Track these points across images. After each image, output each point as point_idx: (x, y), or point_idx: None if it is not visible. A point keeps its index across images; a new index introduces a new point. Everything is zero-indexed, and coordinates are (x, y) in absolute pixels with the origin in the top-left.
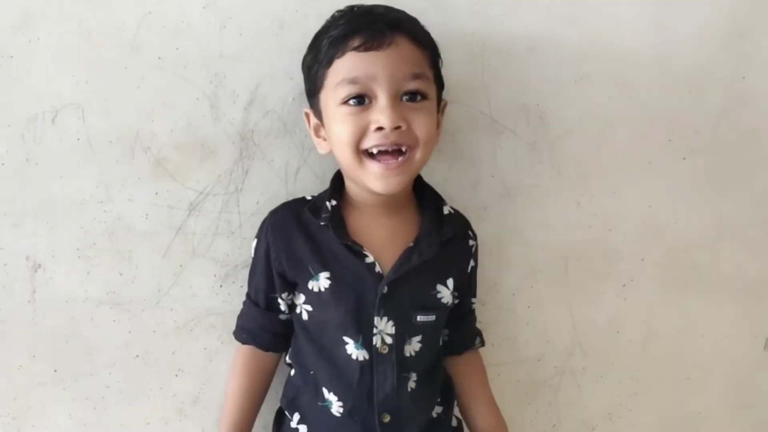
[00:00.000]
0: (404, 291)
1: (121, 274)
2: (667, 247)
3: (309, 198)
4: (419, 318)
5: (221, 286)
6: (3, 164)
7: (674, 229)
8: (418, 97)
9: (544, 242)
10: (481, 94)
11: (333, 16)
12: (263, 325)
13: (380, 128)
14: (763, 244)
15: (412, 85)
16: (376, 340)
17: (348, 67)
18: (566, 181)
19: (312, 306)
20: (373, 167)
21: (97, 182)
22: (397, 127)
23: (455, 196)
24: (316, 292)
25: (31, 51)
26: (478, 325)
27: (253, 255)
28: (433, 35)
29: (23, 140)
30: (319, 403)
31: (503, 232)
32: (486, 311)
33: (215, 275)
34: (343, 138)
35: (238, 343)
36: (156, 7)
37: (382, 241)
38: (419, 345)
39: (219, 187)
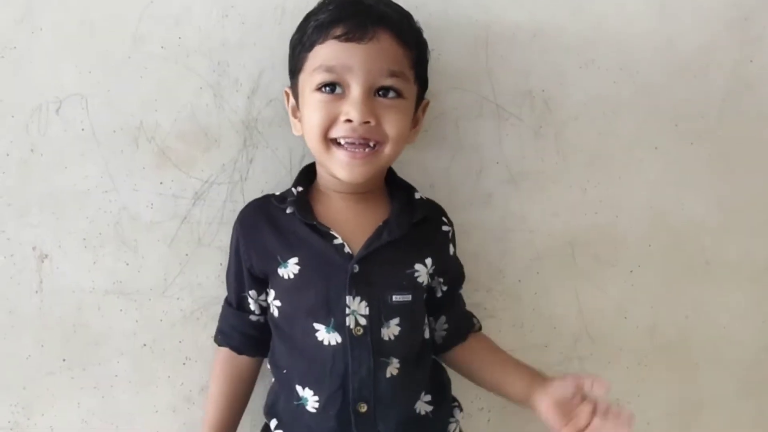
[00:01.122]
0: (377, 271)
1: (127, 264)
2: (673, 232)
3: (277, 194)
4: (395, 298)
5: None
6: (8, 155)
7: (681, 215)
8: (392, 94)
9: (550, 229)
10: (486, 81)
11: (322, 3)
12: (234, 326)
13: (349, 120)
14: None
15: (388, 82)
16: (350, 321)
17: (326, 55)
18: (572, 167)
19: (281, 299)
20: (340, 155)
21: (102, 172)
22: (366, 122)
23: (460, 183)
24: (285, 280)
25: (34, 42)
26: (484, 311)
27: (228, 253)
28: (437, 22)
29: (27, 131)
30: (295, 403)
31: (509, 218)
32: (492, 298)
33: (221, 264)
34: (312, 124)
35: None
36: None
37: (351, 226)
38: (398, 328)
39: (223, 176)
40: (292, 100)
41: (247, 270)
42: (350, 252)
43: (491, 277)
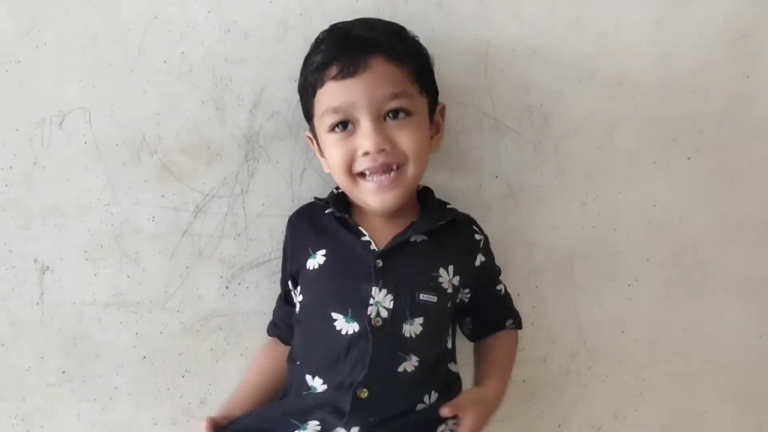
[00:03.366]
0: (403, 268)
1: (128, 276)
2: (672, 246)
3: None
4: (422, 296)
5: (227, 287)
6: (11, 168)
7: (679, 229)
8: (401, 114)
9: (548, 242)
10: (486, 96)
11: (316, 40)
12: (283, 318)
13: (366, 153)
14: None
15: (393, 105)
16: (371, 311)
17: (329, 97)
18: (571, 182)
19: (305, 292)
20: (368, 185)
21: (104, 185)
22: (382, 150)
23: (459, 197)
24: (311, 271)
25: (38, 56)
26: None
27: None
28: (437, 37)
29: (31, 144)
30: (303, 392)
31: (508, 232)
32: None
33: (221, 277)
34: (335, 163)
35: (245, 346)
36: (161, 12)
37: (381, 230)
38: (421, 328)
39: (225, 189)
40: (315, 143)
41: (289, 266)
42: (375, 249)
43: None
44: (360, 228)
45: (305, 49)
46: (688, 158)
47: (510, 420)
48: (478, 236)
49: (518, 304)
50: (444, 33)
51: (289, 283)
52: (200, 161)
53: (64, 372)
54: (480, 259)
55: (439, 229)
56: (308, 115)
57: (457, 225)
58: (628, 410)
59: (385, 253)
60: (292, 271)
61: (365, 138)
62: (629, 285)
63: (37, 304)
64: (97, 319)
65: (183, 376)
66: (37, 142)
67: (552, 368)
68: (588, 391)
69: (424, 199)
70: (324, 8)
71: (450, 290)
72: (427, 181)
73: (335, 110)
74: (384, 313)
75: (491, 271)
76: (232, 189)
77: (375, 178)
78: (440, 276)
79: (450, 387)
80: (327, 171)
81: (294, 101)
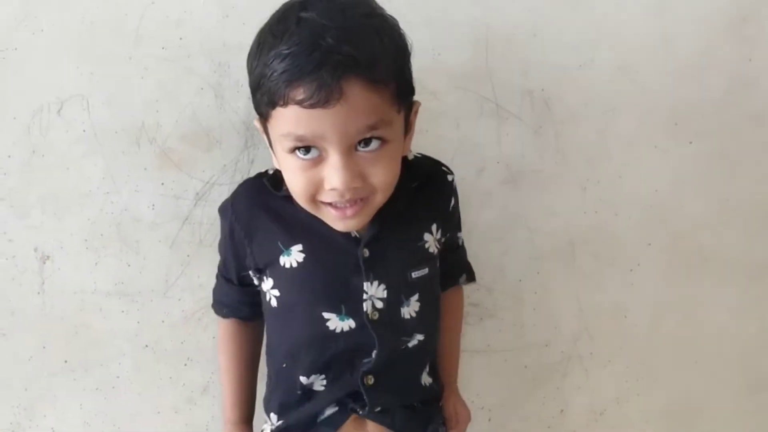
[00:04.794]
0: (390, 250)
1: (129, 265)
2: (673, 231)
3: (270, 171)
4: (414, 274)
5: None
6: (9, 156)
7: (680, 214)
8: (375, 144)
9: (549, 228)
10: (486, 80)
11: (276, 28)
12: (241, 300)
13: (334, 188)
14: None
15: (367, 135)
16: (367, 306)
17: (293, 123)
18: (571, 166)
19: (281, 288)
20: (331, 212)
21: (104, 173)
22: (353, 187)
23: (460, 183)
24: (288, 269)
25: (35, 43)
26: (485, 310)
27: (220, 233)
28: (437, 22)
29: (29, 132)
30: (298, 392)
31: (509, 218)
32: (492, 297)
33: None
34: (296, 190)
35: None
36: None
37: None
38: (418, 304)
39: (225, 176)
40: (266, 135)
41: (245, 259)
42: (356, 235)
43: (491, 277)
44: None
45: None
46: (690, 143)
47: (512, 405)
48: (449, 176)
49: (520, 290)
50: (443, 17)
51: (252, 274)
52: (200, 148)
53: (66, 361)
54: (452, 201)
55: (415, 190)
56: (260, 113)
57: (429, 175)
58: (629, 395)
59: (369, 240)
60: (256, 265)
61: (334, 174)
62: (630, 270)
63: (38, 293)
64: (98, 308)
65: (185, 365)
66: (36, 131)
67: (554, 354)
68: (590, 376)
69: None
70: None
71: (436, 250)
72: None
73: (299, 138)
74: (379, 305)
75: (457, 214)
76: (232, 176)
77: (340, 205)
78: (426, 242)
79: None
80: (278, 167)
81: None
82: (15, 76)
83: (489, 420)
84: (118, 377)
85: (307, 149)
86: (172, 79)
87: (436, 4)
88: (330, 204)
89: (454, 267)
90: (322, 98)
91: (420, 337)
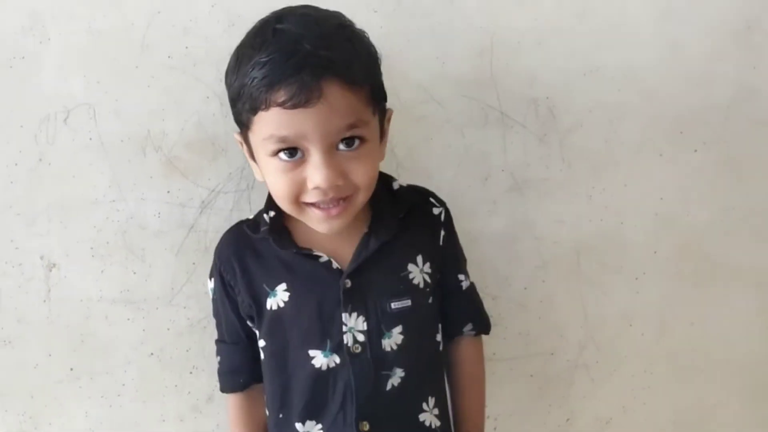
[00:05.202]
0: (370, 281)
1: (134, 273)
2: (679, 239)
3: (250, 217)
4: (394, 305)
5: None
6: (16, 165)
7: (686, 221)
8: (355, 143)
9: (555, 236)
10: (491, 88)
11: (255, 41)
12: (255, 356)
13: (318, 187)
14: None
15: (347, 134)
16: (347, 339)
17: (275, 125)
18: (577, 174)
19: (268, 335)
20: (315, 213)
21: (110, 181)
22: (336, 185)
23: (465, 191)
24: (275, 311)
25: (42, 52)
26: (490, 319)
27: (212, 297)
28: (442, 30)
29: (36, 141)
30: None
31: (514, 226)
32: (498, 306)
33: None
34: (279, 192)
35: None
36: (165, 7)
37: (334, 239)
38: (401, 336)
39: (230, 184)
40: (246, 147)
41: (240, 306)
42: (339, 267)
43: (497, 285)
44: (315, 252)
45: None
46: (695, 150)
47: (518, 414)
48: (436, 210)
49: (525, 299)
50: (449, 25)
51: (249, 323)
52: (205, 157)
53: (71, 369)
54: (442, 234)
55: (400, 221)
56: (240, 123)
57: (415, 206)
58: (636, 404)
59: (352, 272)
60: (249, 312)
61: (317, 172)
62: (636, 278)
63: (44, 301)
64: (104, 316)
65: (191, 373)
66: (42, 139)
67: (560, 362)
68: (596, 384)
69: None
70: (327, 2)
71: (423, 284)
72: (432, 176)
73: (282, 140)
74: (360, 337)
75: (453, 251)
76: (237, 184)
77: (323, 206)
78: (410, 273)
79: (441, 394)
80: (260, 179)
81: None
82: (22, 85)
83: (495, 429)
84: (123, 385)
85: (289, 151)
86: (178, 88)
87: (441, 13)
88: (314, 205)
89: (457, 313)
90: (303, 98)
91: (401, 372)
